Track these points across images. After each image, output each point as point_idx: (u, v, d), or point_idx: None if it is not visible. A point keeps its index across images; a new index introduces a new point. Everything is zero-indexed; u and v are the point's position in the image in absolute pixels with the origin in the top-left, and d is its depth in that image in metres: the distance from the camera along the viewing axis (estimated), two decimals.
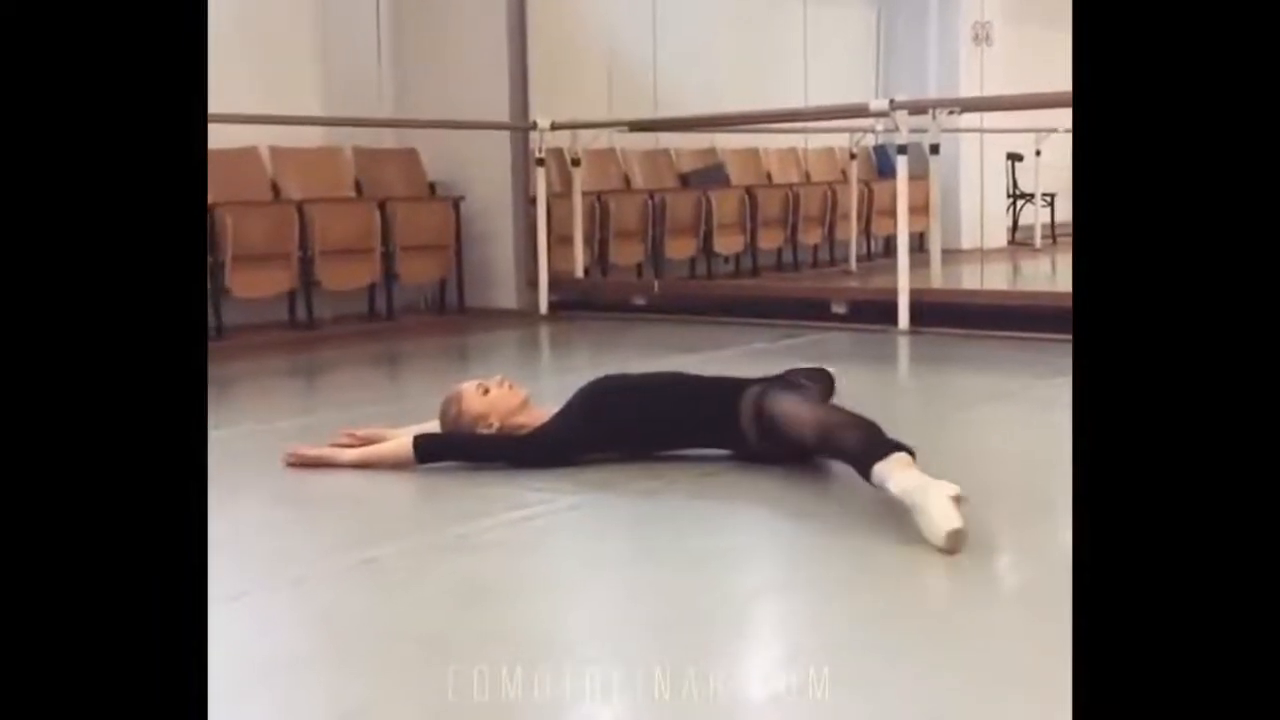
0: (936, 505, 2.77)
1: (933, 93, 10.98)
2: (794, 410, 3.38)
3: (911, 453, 3.02)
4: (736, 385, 3.57)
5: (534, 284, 8.11)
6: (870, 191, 10.78)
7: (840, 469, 3.40)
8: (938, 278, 7.49)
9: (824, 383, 3.78)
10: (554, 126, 8.06)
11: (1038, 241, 11.71)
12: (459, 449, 3.63)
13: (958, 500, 2.78)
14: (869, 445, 3.08)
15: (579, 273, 8.30)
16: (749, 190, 10.15)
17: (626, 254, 9.12)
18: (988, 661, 2.18)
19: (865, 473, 3.03)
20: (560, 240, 8.27)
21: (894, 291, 6.88)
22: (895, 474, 2.94)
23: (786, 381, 3.64)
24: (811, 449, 3.37)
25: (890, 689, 2.06)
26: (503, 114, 8.12)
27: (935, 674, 2.12)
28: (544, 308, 8.02)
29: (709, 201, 9.66)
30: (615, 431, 3.61)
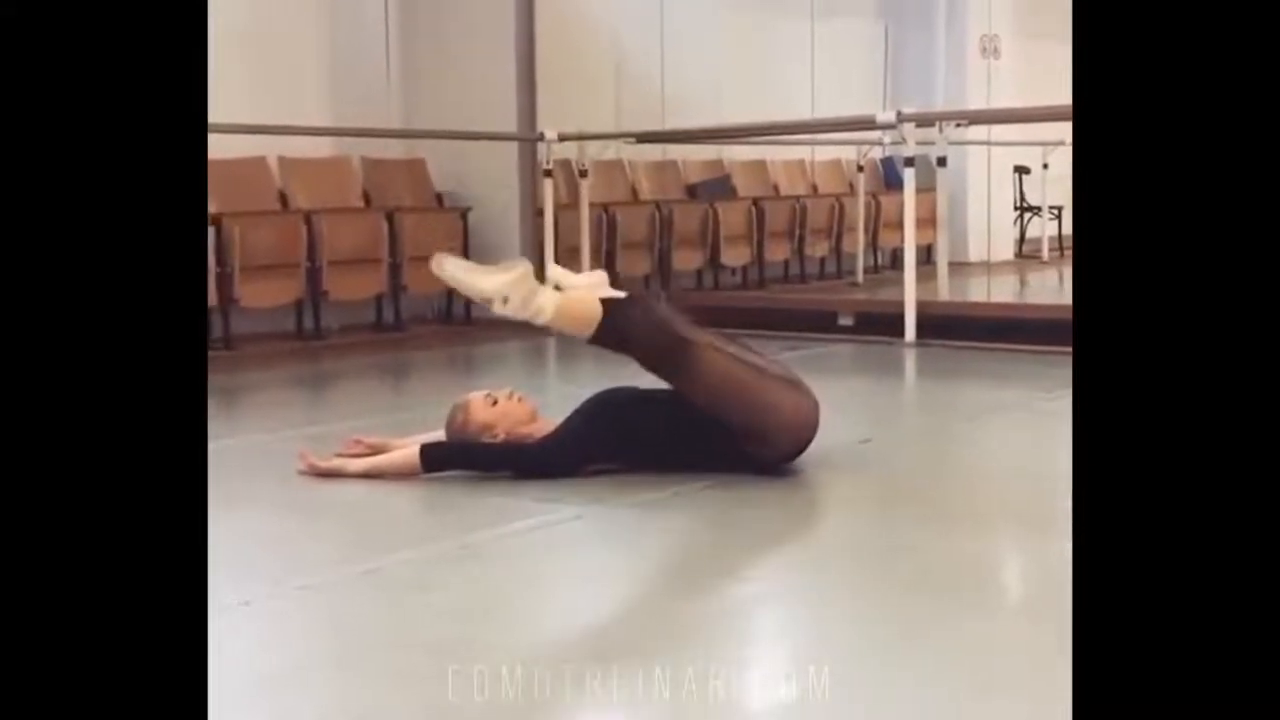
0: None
1: (940, 105, 10.98)
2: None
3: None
4: None
5: None
6: (877, 204, 10.79)
7: (841, 476, 3.40)
8: (944, 290, 7.49)
9: None
10: (561, 138, 8.07)
11: (1045, 254, 11.69)
12: (465, 458, 3.63)
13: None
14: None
15: None
16: (756, 202, 10.15)
17: (633, 265, 9.12)
18: (987, 670, 2.18)
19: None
20: (567, 251, 8.27)
21: (900, 304, 6.88)
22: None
23: None
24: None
25: (890, 694, 2.07)
26: (510, 125, 8.14)
27: (935, 680, 2.12)
28: None
29: (716, 213, 9.67)
30: (621, 443, 3.61)
